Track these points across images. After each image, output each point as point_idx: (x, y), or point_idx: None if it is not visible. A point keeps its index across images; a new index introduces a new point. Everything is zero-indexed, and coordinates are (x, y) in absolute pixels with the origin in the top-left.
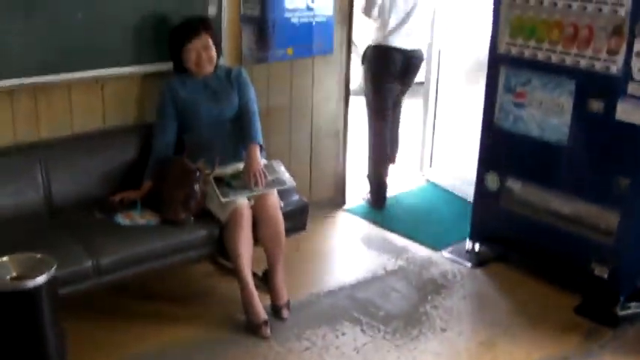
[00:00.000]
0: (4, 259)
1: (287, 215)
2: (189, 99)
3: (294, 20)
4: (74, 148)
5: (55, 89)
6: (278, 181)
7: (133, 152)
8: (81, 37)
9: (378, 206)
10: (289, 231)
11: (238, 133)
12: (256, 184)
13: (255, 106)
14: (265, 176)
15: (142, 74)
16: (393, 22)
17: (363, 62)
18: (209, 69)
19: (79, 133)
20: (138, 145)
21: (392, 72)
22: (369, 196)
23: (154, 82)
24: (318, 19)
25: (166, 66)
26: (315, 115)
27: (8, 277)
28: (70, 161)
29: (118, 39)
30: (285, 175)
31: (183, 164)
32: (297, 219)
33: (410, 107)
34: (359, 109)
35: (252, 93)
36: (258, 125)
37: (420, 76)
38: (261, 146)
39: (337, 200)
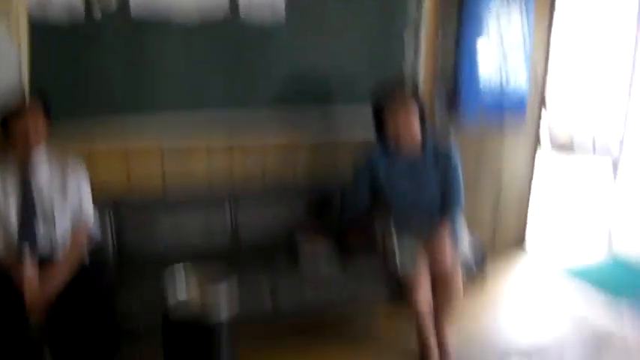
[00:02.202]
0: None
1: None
2: (387, 179)
3: (486, 83)
4: (264, 196)
5: (251, 146)
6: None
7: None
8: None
9: None
10: (467, 279)
11: (436, 205)
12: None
13: (458, 177)
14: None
15: (335, 140)
16: None
17: None
18: (409, 141)
19: (269, 186)
20: (323, 202)
21: None
22: None
23: (348, 148)
24: (511, 84)
25: (362, 135)
26: (502, 173)
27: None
28: (258, 207)
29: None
30: (465, 243)
31: (370, 230)
32: (476, 269)
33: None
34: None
35: (458, 173)
36: (457, 197)
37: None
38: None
39: (520, 248)
